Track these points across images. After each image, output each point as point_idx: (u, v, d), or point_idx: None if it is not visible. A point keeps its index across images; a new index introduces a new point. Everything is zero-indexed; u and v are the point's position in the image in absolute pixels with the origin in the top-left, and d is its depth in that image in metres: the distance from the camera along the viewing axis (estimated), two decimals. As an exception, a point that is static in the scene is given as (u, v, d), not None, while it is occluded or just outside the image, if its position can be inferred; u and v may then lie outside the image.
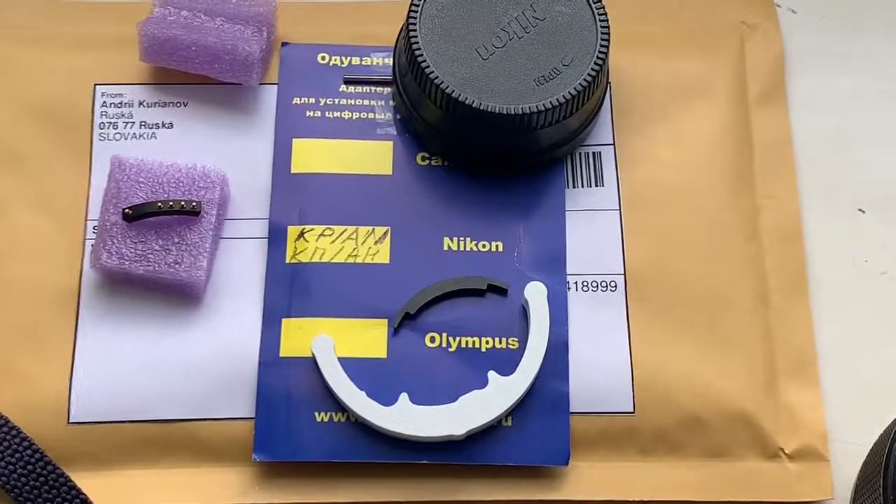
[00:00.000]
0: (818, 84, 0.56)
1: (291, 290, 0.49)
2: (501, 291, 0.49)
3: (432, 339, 0.49)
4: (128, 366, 0.48)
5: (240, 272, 0.50)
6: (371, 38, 0.54)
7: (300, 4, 0.55)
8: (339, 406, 0.48)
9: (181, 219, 0.49)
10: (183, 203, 0.49)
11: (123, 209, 0.49)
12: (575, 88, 0.49)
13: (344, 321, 0.49)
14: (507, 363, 0.48)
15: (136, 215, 0.49)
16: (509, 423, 0.48)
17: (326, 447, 0.47)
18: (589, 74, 0.49)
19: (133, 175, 0.50)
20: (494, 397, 0.47)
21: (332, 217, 0.50)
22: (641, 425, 0.49)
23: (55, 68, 0.53)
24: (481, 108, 0.49)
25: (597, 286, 0.50)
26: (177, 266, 0.49)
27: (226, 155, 0.52)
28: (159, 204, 0.49)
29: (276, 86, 0.53)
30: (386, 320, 0.49)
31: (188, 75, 0.52)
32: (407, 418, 0.47)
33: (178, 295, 0.49)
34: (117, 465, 0.48)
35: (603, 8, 0.50)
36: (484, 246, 0.50)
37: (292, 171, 0.51)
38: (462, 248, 0.50)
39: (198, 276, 0.49)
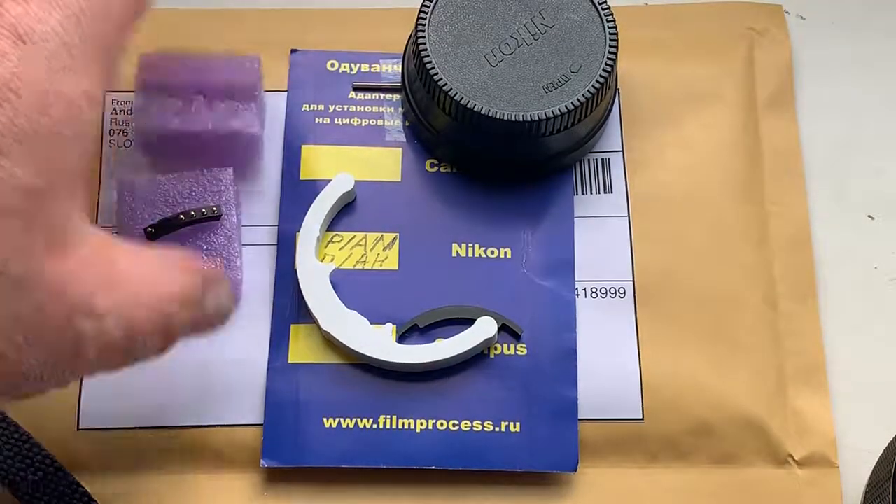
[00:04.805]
0: (827, 90, 0.56)
1: (300, 296, 0.49)
2: (514, 334, 0.49)
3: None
4: (137, 372, 0.48)
5: (248, 278, 0.50)
6: (380, 45, 0.54)
7: (309, 11, 0.56)
8: (348, 412, 0.48)
9: (203, 225, 0.49)
10: (203, 210, 0.49)
11: (145, 228, 0.48)
12: (583, 95, 0.49)
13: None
14: (515, 369, 0.48)
15: (160, 232, 0.48)
16: (517, 429, 0.48)
17: (335, 453, 0.47)
18: (597, 81, 0.49)
19: (143, 195, 0.49)
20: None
21: (341, 223, 0.51)
22: (650, 432, 0.49)
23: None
24: (490, 114, 0.49)
25: (605, 292, 0.50)
26: None
27: (235, 162, 0.52)
28: (181, 216, 0.49)
29: (285, 93, 0.53)
30: (394, 326, 0.49)
31: (198, 78, 0.52)
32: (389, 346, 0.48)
33: None
34: (126, 471, 0.48)
35: (611, 14, 0.50)
36: (492, 252, 0.50)
37: (301, 177, 0.51)
38: (471, 255, 0.50)
39: (235, 278, 0.49)
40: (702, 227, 0.51)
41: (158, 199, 0.49)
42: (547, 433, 0.48)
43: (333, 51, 0.54)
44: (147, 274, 0.37)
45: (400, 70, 0.53)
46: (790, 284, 0.51)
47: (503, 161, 0.51)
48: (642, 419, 0.49)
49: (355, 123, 0.52)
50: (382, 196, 0.51)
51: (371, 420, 0.48)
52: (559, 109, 0.49)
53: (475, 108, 0.49)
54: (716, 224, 0.51)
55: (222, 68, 0.51)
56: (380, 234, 0.51)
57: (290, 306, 0.49)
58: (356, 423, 0.48)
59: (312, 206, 0.50)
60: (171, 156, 0.50)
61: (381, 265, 0.50)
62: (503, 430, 0.48)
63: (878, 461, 0.46)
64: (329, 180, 0.50)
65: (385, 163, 0.52)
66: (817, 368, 0.50)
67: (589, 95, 0.49)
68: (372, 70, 0.54)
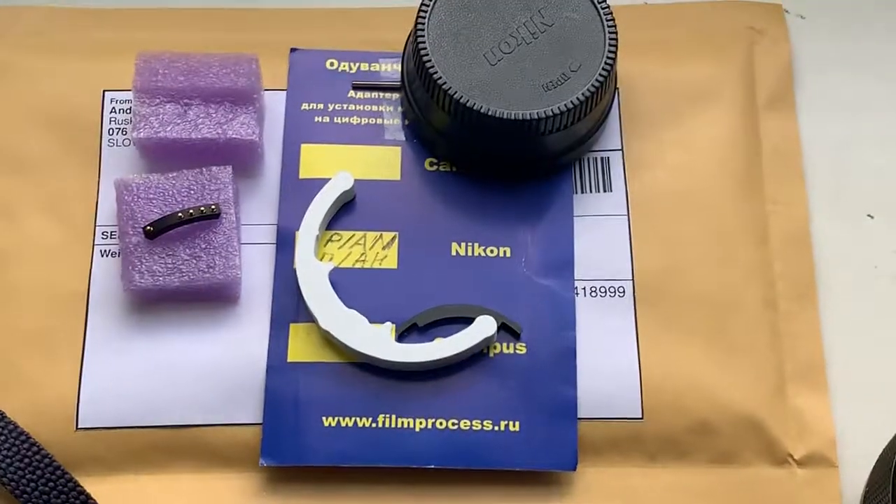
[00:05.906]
0: (827, 89, 0.55)
1: (299, 295, 0.49)
2: (513, 333, 0.49)
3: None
4: (136, 371, 0.49)
5: (247, 277, 0.50)
6: (379, 44, 0.54)
7: (309, 11, 0.56)
8: (347, 411, 0.48)
9: (202, 223, 0.49)
10: (202, 209, 0.49)
11: (145, 227, 0.48)
12: (583, 94, 0.49)
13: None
14: (514, 368, 0.48)
15: (159, 230, 0.48)
16: (517, 428, 0.48)
17: (334, 452, 0.47)
18: (597, 80, 0.49)
19: (142, 194, 0.49)
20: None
21: (340, 222, 0.51)
22: (649, 431, 0.48)
23: (65, 75, 0.53)
24: (489, 113, 0.49)
25: (605, 291, 0.50)
26: (211, 270, 0.48)
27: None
28: (179, 214, 0.49)
29: (284, 91, 0.53)
30: (393, 325, 0.49)
31: (195, 81, 0.52)
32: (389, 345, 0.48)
33: (216, 299, 0.49)
34: (125, 470, 0.48)
35: (611, 14, 0.50)
36: (492, 251, 0.50)
37: (300, 176, 0.51)
38: (470, 254, 0.50)
39: (234, 276, 0.49)
40: (701, 225, 0.51)
41: (157, 197, 0.49)
42: (546, 432, 0.48)
43: (333, 50, 0.54)
44: None
45: (399, 69, 0.53)
46: (790, 284, 0.51)
47: (503, 160, 0.51)
48: (642, 418, 0.48)
49: (355, 122, 0.52)
50: (382, 195, 0.51)
51: (370, 419, 0.48)
52: (559, 108, 0.49)
53: (475, 107, 0.49)
54: (715, 223, 0.51)
55: (220, 70, 0.51)
56: (379, 233, 0.50)
57: (289, 305, 0.49)
58: (355, 422, 0.48)
59: (312, 204, 0.50)
60: (169, 159, 0.50)
61: (380, 264, 0.50)
62: (502, 429, 0.48)
63: (877, 461, 0.46)
64: (328, 179, 0.50)
65: (384, 161, 0.52)
66: (817, 368, 0.50)
67: (588, 94, 0.49)
68: (371, 69, 0.53)
